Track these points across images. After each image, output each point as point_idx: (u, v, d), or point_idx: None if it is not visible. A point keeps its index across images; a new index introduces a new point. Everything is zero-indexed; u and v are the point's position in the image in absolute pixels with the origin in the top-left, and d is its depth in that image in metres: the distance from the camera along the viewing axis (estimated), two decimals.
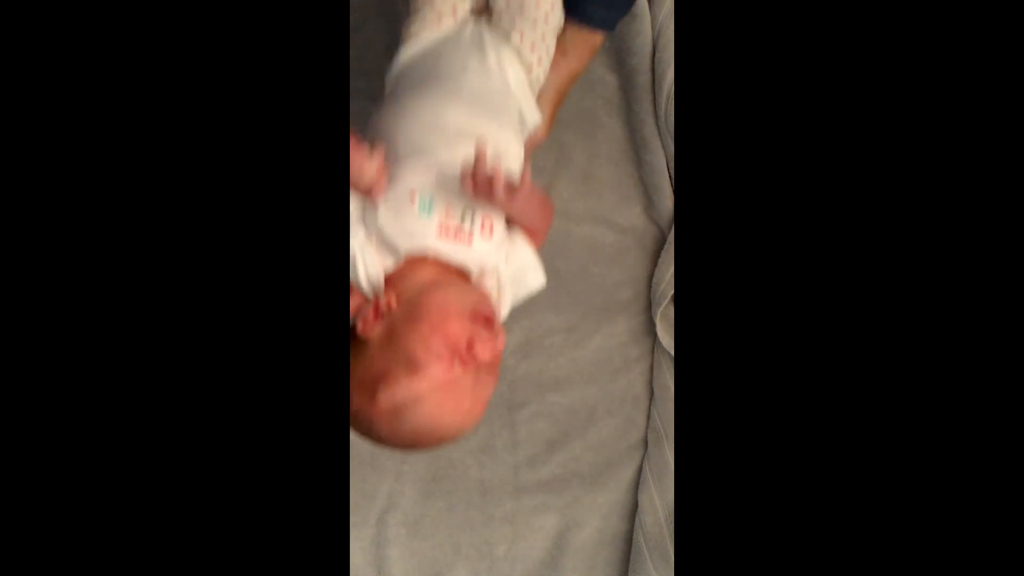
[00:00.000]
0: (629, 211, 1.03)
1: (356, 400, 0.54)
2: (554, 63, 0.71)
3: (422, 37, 0.67)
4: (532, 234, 0.64)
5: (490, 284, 0.62)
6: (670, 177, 0.99)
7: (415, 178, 0.58)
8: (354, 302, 0.57)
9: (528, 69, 0.68)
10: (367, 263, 0.57)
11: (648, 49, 0.96)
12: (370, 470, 1.03)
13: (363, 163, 0.54)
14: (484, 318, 0.56)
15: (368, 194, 0.56)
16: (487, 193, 0.56)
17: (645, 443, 1.03)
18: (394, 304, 0.55)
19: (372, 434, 0.56)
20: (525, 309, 0.99)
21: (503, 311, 0.62)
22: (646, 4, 0.93)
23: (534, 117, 0.70)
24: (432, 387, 0.53)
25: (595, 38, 0.73)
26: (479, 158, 0.56)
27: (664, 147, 0.98)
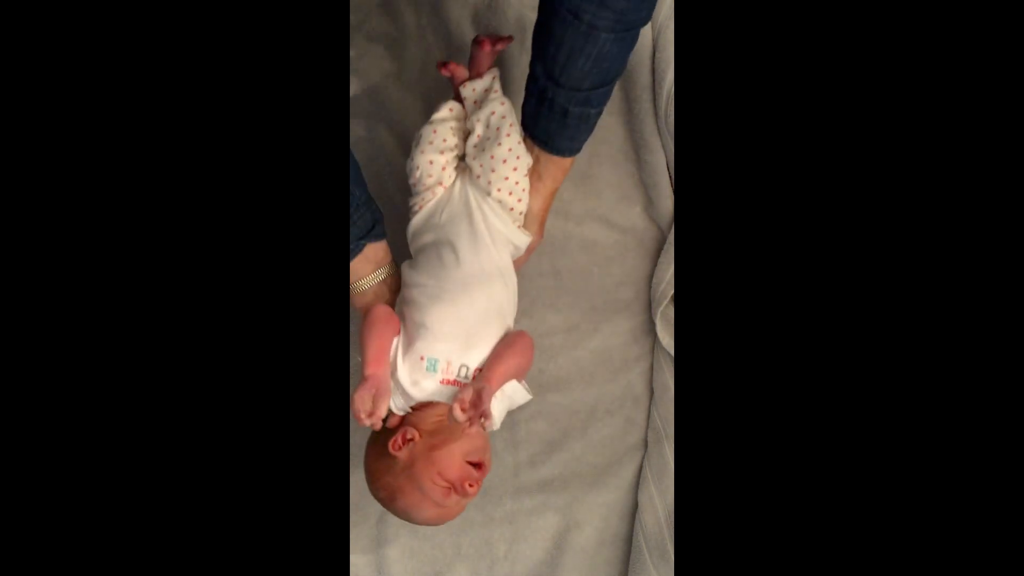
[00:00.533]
0: (629, 211, 1.03)
1: (380, 495, 0.80)
2: (533, 189, 0.86)
3: (425, 208, 0.86)
4: (518, 376, 0.82)
5: None
6: (670, 177, 0.99)
7: (423, 345, 0.79)
8: (394, 421, 0.80)
9: (510, 210, 0.84)
10: (396, 404, 0.79)
11: (648, 49, 0.96)
12: None
13: (360, 420, 0.73)
14: (478, 463, 0.77)
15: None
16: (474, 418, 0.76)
17: (645, 443, 1.03)
18: (417, 438, 0.77)
19: (387, 509, 0.81)
20: (525, 309, 0.99)
21: (496, 424, 0.81)
22: None
23: (524, 241, 0.87)
24: (432, 504, 0.77)
25: (565, 162, 0.85)
26: (459, 405, 0.75)
27: (664, 147, 0.98)
